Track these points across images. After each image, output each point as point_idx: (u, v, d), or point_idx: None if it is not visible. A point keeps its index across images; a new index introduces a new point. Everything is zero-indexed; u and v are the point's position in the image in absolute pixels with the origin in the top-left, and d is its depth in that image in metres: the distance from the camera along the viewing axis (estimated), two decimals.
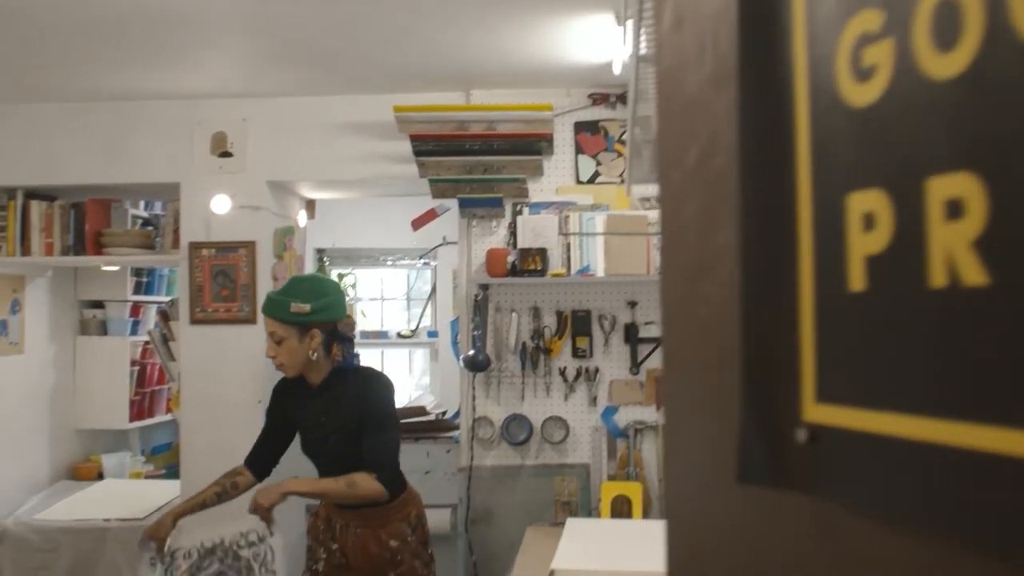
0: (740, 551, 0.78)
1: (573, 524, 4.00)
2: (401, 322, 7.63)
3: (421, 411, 6.14)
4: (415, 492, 3.79)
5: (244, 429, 4.22)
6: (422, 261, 7.41)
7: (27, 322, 5.08)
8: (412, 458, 5.80)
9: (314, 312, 3.51)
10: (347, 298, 3.50)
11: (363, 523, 3.67)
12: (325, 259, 7.44)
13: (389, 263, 7.56)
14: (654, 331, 4.62)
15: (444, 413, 6.23)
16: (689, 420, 0.88)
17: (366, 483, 3.45)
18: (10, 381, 4.92)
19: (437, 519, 5.71)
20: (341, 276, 7.52)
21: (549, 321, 4.66)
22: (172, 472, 5.76)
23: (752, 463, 0.72)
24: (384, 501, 3.58)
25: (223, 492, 3.59)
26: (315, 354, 3.53)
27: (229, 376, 4.56)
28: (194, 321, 4.61)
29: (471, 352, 4.59)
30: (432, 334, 7.33)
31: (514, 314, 4.64)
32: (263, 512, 3.38)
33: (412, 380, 7.61)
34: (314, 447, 3.63)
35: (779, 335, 0.68)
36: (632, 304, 4.63)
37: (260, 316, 4.61)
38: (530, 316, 4.67)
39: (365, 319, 7.56)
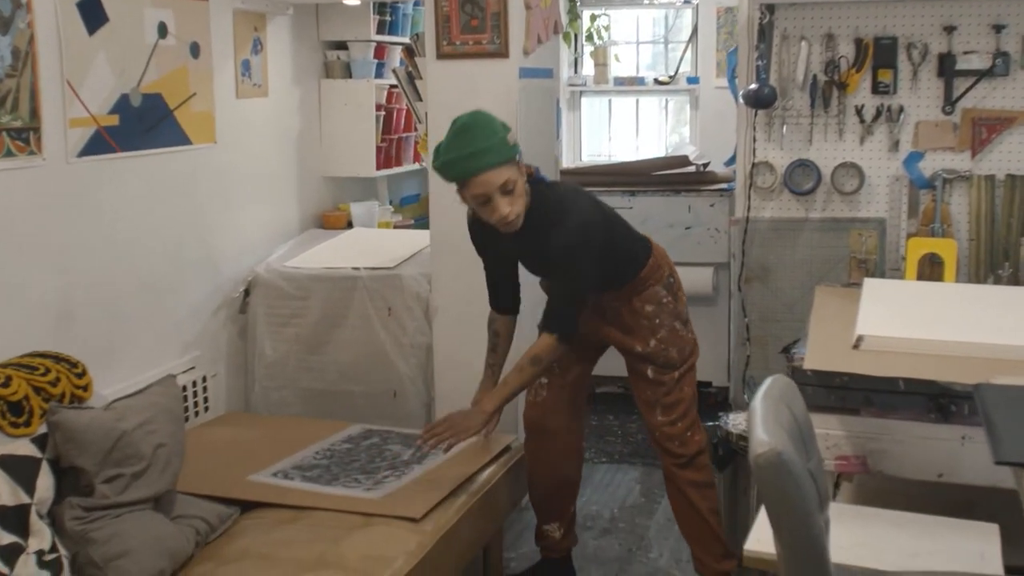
0: None
1: (873, 285, 3.44)
2: (658, 68, 7.01)
3: (683, 161, 5.63)
4: (662, 249, 3.44)
5: None
6: None
7: (270, 63, 4.82)
8: (672, 212, 5.35)
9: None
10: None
11: (617, 299, 3.35)
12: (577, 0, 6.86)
13: (646, 2, 6.90)
14: (975, 62, 3.86)
15: (707, 164, 5.69)
16: None
17: (544, 350, 3.14)
18: (256, 125, 4.71)
19: (697, 278, 5.28)
20: (593, 17, 6.93)
21: (846, 50, 3.96)
22: (421, 223, 5.54)
23: None
24: (630, 275, 3.29)
25: (495, 350, 3.45)
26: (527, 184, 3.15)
27: None
28: (441, 56, 4.17)
29: (754, 85, 3.97)
30: (692, 80, 6.69)
31: (804, 43, 3.97)
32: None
33: (668, 129, 7.06)
34: (541, 272, 3.41)
35: None
36: (949, 29, 3.86)
37: (512, 63, 4.11)
38: (823, 45, 3.98)
39: (619, 64, 6.98)
